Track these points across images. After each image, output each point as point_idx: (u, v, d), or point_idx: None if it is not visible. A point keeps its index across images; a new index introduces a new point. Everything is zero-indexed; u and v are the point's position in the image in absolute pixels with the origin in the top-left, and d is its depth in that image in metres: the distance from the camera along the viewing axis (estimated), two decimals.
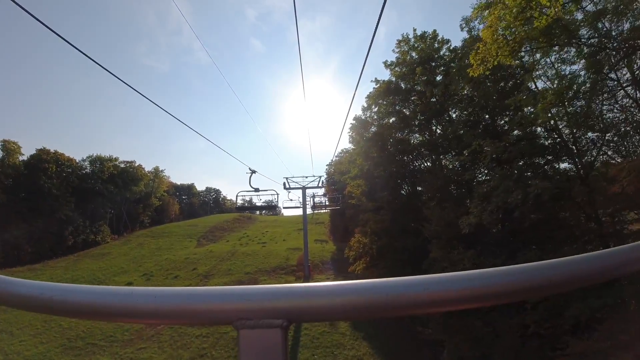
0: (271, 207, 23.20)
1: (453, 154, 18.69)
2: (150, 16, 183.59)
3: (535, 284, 0.63)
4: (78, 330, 26.29)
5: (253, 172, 16.84)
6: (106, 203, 63.13)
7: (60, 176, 57.94)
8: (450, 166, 20.00)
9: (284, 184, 33.14)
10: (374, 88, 22.01)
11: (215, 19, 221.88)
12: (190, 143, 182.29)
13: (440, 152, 20.03)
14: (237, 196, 23.65)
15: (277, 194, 19.86)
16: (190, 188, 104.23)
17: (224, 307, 0.63)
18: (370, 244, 20.17)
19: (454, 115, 19.55)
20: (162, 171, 77.57)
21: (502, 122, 17.45)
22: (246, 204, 26.83)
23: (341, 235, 52.44)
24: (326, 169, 57.62)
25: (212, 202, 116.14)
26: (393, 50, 21.65)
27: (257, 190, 18.64)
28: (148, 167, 75.77)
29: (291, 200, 33.07)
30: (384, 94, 21.18)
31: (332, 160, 55.75)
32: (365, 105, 23.40)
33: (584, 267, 0.66)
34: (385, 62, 21.57)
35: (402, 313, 0.65)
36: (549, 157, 15.18)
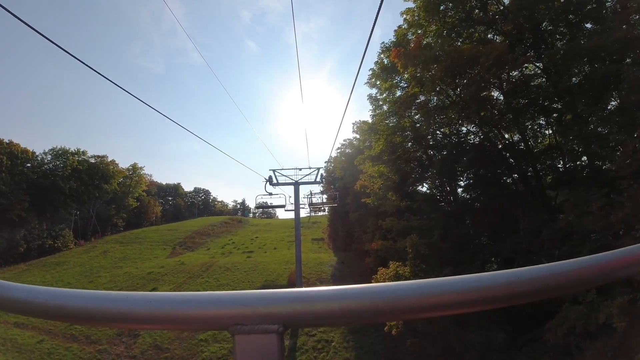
0: None
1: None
2: (144, 16, 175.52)
3: (534, 287, 0.64)
4: None
5: None
6: (70, 203, 54.50)
7: (13, 170, 49.44)
8: None
9: (270, 178, 24.84)
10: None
11: (210, 20, 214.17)
12: (186, 144, 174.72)
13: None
14: None
15: None
16: (176, 188, 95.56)
17: (219, 313, 0.63)
18: (412, 276, 11.84)
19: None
20: (141, 168, 69.05)
21: None
22: None
23: (343, 242, 44.06)
24: (325, 166, 49.08)
25: (202, 203, 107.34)
26: None
27: None
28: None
29: (270, 195, 24.10)
30: None
31: (330, 156, 47.29)
32: (405, 24, 14.89)
33: (584, 269, 0.66)
34: None
35: (399, 318, 0.73)
36: None
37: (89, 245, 51.73)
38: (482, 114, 12.72)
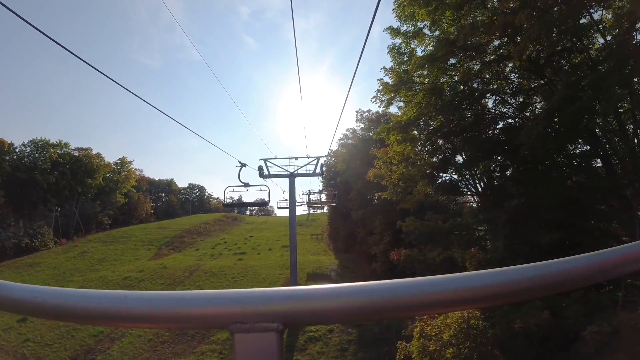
0: None
1: None
2: (142, 11, 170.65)
3: (533, 284, 0.64)
4: None
5: None
6: (50, 199, 50.61)
7: None
8: None
9: (260, 168, 20.91)
10: None
11: (208, 16, 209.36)
12: (182, 140, 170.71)
13: None
14: None
15: None
16: (169, 184, 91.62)
17: (218, 311, 0.63)
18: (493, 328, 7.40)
19: None
20: (129, 162, 65.13)
21: None
22: None
23: (345, 243, 40.26)
24: (325, 160, 44.82)
25: (196, 200, 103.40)
26: None
27: None
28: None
29: (246, 186, 19.45)
30: None
31: (330, 150, 43.14)
32: None
33: (582, 266, 0.67)
34: None
35: (398, 315, 0.67)
36: None
37: (69, 244, 47.92)
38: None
